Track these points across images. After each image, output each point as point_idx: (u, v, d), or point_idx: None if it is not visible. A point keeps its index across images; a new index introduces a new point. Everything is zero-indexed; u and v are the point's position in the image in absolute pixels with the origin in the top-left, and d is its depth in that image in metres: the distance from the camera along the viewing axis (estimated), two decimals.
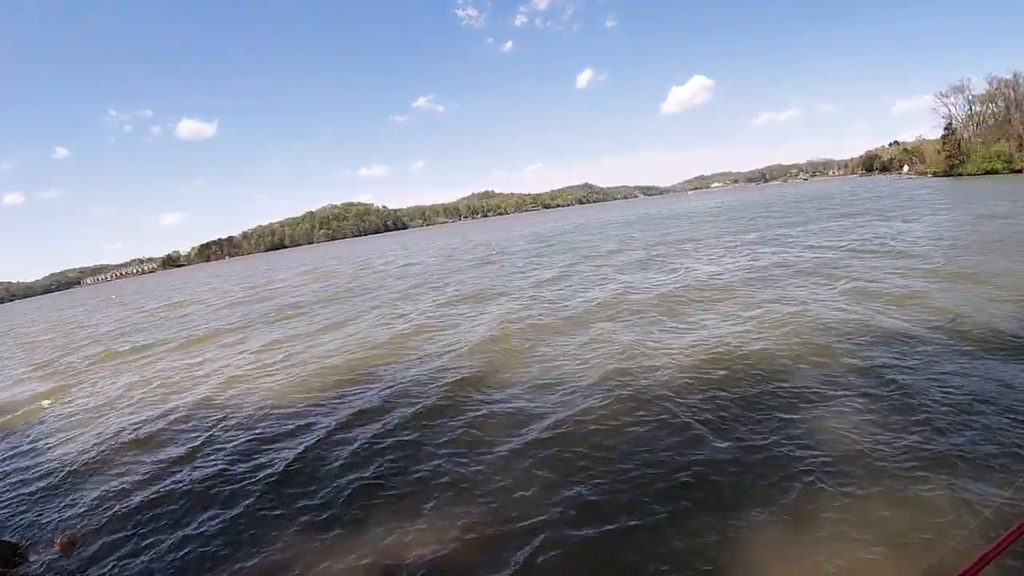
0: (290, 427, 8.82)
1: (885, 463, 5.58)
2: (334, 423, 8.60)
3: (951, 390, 7.02)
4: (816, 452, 5.89)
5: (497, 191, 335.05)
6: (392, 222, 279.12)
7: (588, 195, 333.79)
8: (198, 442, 8.79)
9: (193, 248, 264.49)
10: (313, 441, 8.00)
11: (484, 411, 8.32)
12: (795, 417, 6.76)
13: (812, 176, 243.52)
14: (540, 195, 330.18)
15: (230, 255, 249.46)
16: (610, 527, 5.07)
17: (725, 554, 4.58)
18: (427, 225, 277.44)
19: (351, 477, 6.72)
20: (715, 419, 7.00)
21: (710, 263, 20.94)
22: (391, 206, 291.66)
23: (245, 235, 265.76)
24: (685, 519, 5.07)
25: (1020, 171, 78.14)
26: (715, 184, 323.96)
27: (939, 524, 4.60)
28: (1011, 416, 6.17)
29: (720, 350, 9.70)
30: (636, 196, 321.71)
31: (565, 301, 16.53)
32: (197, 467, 7.83)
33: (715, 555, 4.59)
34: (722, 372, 8.61)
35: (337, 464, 7.15)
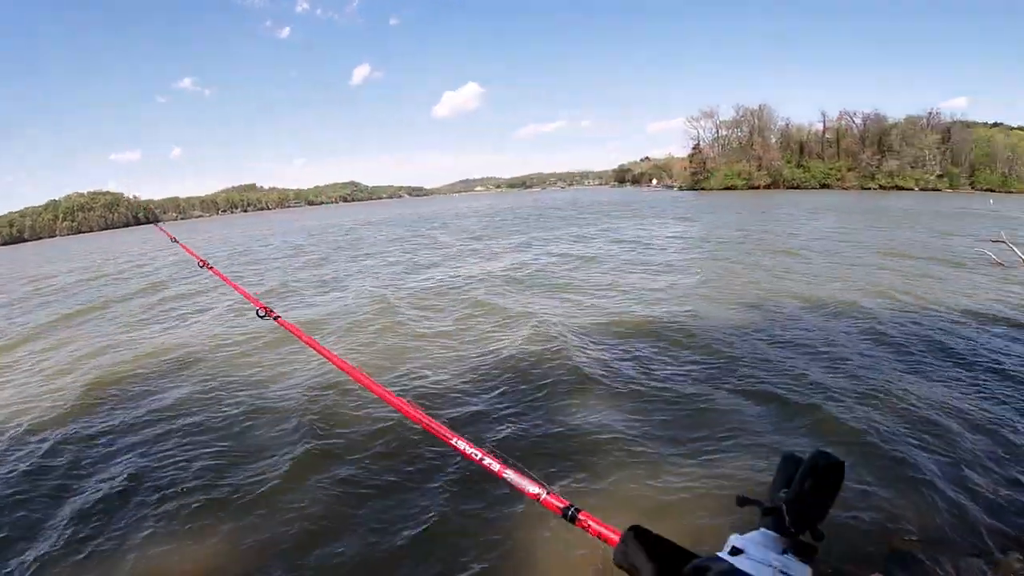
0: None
1: (641, 446, 6.33)
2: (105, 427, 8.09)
3: (684, 378, 8.25)
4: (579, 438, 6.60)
5: (261, 185, 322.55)
6: (143, 214, 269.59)
7: (354, 193, 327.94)
8: None
9: None
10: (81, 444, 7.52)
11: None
12: (554, 409, 7.41)
13: (569, 185, 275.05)
14: (305, 191, 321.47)
15: None
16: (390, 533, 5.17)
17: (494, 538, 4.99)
18: (181, 219, 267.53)
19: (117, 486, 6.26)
20: (489, 409, 7.54)
21: (477, 263, 22.45)
22: (143, 196, 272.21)
23: None
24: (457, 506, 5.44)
25: (756, 187, 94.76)
26: (479, 188, 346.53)
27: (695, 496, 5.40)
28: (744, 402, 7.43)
29: (479, 342, 10.77)
30: (402, 196, 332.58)
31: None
32: None
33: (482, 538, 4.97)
34: (480, 363, 9.42)
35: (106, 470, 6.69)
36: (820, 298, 13.34)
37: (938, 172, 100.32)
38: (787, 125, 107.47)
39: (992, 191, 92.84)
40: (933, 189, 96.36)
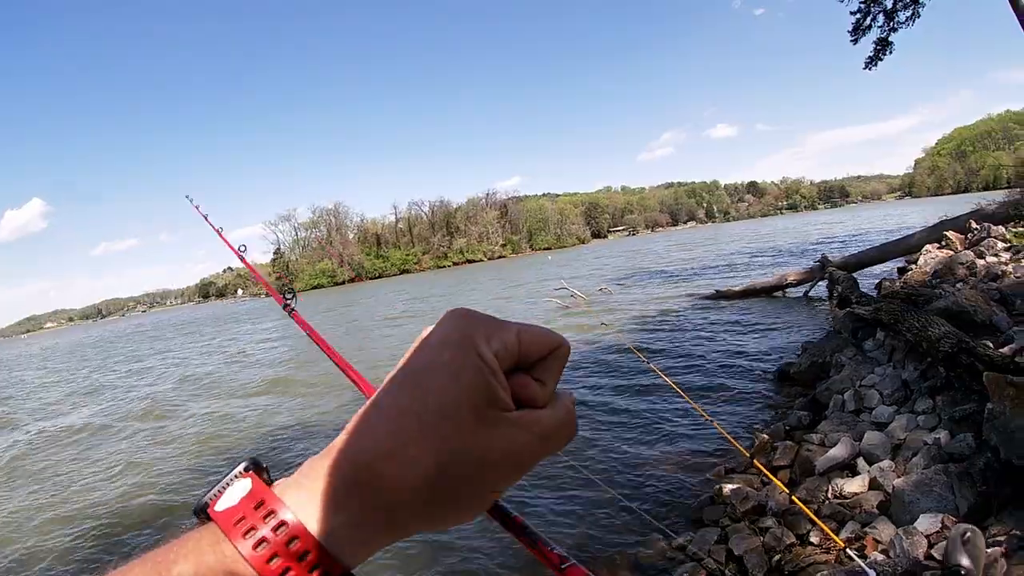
0: None
1: None
2: None
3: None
4: None
5: None
6: None
7: None
8: None
9: None
10: None
11: None
12: None
13: (151, 307, 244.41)
14: None
15: None
16: None
17: None
18: None
19: None
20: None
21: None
22: None
23: None
24: None
25: (342, 283, 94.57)
26: (49, 324, 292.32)
27: None
28: None
29: None
30: None
31: None
32: None
33: None
34: None
35: None
36: None
37: (501, 242, 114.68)
38: (363, 220, 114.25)
39: (549, 249, 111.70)
40: (499, 257, 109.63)
